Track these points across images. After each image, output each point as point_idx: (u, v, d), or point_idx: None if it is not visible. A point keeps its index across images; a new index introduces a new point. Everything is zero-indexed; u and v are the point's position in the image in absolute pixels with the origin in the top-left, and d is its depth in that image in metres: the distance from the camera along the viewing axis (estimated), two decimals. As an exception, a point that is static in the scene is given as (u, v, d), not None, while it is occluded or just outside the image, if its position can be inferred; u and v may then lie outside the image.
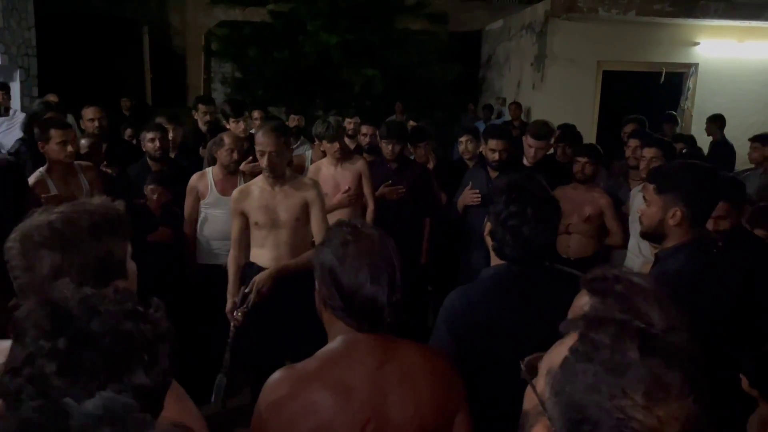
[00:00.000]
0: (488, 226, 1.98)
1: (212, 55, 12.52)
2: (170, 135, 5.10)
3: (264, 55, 10.45)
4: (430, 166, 5.01)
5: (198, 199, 4.29)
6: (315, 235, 3.54)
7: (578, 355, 0.91)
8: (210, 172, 4.34)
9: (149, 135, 4.66)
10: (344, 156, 4.66)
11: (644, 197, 2.30)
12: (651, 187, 2.24)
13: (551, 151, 5.00)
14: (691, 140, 6.26)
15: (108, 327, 0.97)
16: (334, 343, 1.57)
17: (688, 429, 0.86)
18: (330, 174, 4.64)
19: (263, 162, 3.43)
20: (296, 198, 3.52)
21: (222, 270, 4.14)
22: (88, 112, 5.28)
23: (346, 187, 4.58)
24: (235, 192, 3.71)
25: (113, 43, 11.28)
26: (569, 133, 5.21)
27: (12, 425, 0.67)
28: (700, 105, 9.77)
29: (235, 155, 4.25)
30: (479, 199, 4.32)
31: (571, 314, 1.38)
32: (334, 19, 10.19)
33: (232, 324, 3.43)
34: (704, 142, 7.52)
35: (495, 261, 1.99)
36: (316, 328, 3.31)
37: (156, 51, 12.93)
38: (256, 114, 6.50)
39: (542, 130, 4.48)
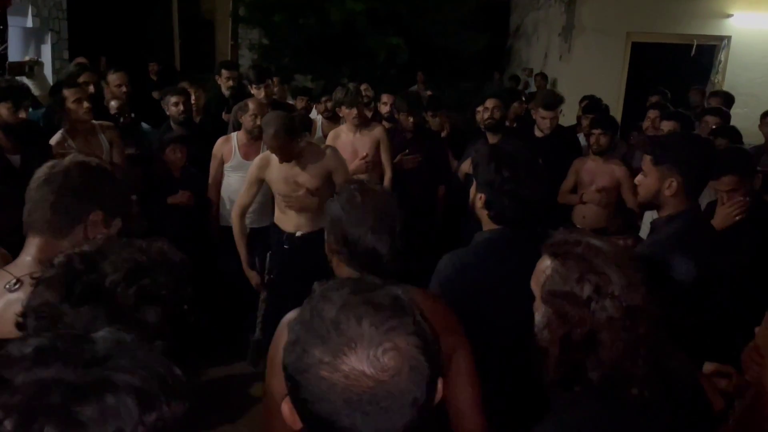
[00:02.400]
0: (481, 197, 2.02)
1: (239, 21, 12.52)
2: (193, 99, 5.21)
3: (290, 22, 10.45)
4: (444, 134, 5.05)
5: (222, 162, 4.40)
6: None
7: None
8: (235, 137, 4.45)
9: (173, 99, 4.76)
10: (363, 122, 4.71)
11: (641, 167, 2.34)
12: (648, 158, 2.28)
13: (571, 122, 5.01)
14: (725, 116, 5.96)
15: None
16: None
17: None
18: (349, 140, 4.70)
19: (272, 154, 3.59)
20: (317, 168, 3.62)
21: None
22: (114, 78, 5.39)
23: (364, 154, 4.65)
24: (257, 159, 3.83)
25: (143, 8, 11.37)
26: (596, 105, 5.21)
27: (28, 350, 0.70)
28: (731, 80, 9.57)
29: (258, 120, 4.32)
30: None
31: (533, 279, 1.44)
32: (361, -15, 10.13)
33: (261, 296, 3.60)
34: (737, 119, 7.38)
35: (488, 226, 2.05)
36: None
37: (185, 16, 12.98)
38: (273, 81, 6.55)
39: (552, 100, 4.54)
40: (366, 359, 0.84)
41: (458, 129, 5.46)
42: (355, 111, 4.59)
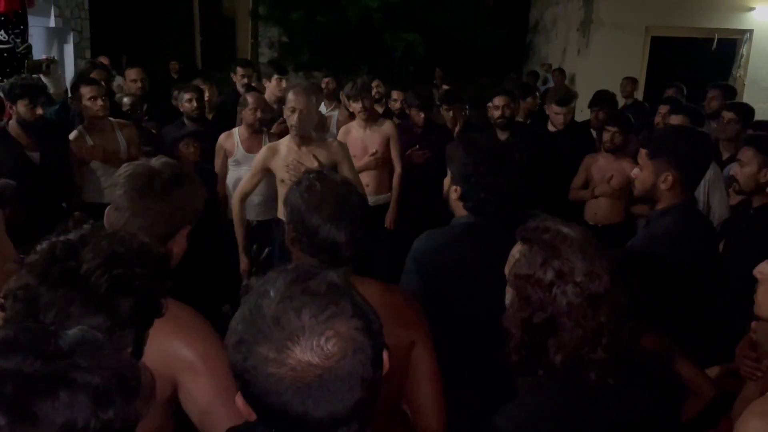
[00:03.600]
0: (456, 190, 2.05)
1: (259, 19, 12.65)
2: (207, 96, 5.29)
3: (308, 19, 10.53)
4: (457, 129, 5.05)
5: (226, 157, 4.47)
6: None
7: None
8: (236, 132, 4.50)
9: (186, 95, 4.84)
10: (372, 118, 4.74)
11: (638, 161, 2.35)
12: (643, 152, 2.28)
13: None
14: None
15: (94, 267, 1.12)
16: None
17: None
18: (359, 136, 4.74)
19: (292, 119, 3.56)
20: (322, 158, 3.62)
21: (246, 224, 4.39)
22: (131, 73, 5.51)
23: (374, 150, 4.68)
24: (264, 148, 3.87)
25: (164, 7, 11.52)
26: (604, 98, 5.16)
27: None
28: (753, 74, 9.44)
29: (258, 113, 4.36)
30: None
31: (507, 264, 1.48)
32: (377, -18, 10.16)
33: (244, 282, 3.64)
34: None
35: (460, 213, 2.08)
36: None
37: (206, 15, 13.12)
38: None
39: (566, 96, 4.53)
40: (310, 350, 0.86)
41: (471, 124, 5.46)
42: (359, 105, 4.62)
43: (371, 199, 4.66)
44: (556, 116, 4.44)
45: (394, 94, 5.39)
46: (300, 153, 3.67)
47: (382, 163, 4.68)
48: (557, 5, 11.24)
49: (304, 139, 3.64)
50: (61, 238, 1.17)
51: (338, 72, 11.04)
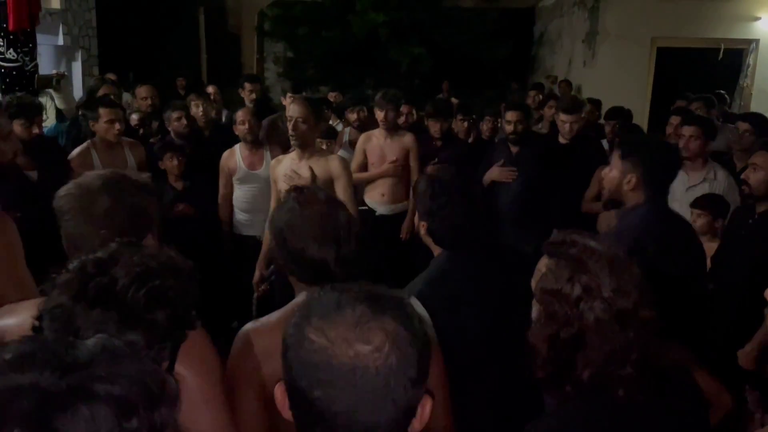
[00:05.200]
0: (423, 225, 2.08)
1: (264, 35, 12.71)
2: (201, 111, 5.28)
3: (313, 34, 10.59)
4: (471, 140, 5.04)
5: (230, 175, 4.47)
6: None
7: None
8: (238, 150, 4.49)
9: (174, 114, 4.81)
10: (393, 129, 4.74)
11: (609, 161, 2.50)
12: (617, 152, 2.44)
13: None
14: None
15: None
16: (297, 298, 1.69)
17: None
18: (379, 145, 4.73)
19: (289, 127, 3.55)
20: (318, 170, 3.58)
21: (252, 240, 4.36)
22: (141, 91, 5.53)
23: (394, 158, 4.67)
24: (273, 160, 3.88)
25: (170, 24, 11.57)
26: (620, 111, 5.17)
27: (7, 356, 0.72)
28: (760, 83, 9.41)
29: (246, 126, 4.37)
30: (513, 175, 4.38)
31: (533, 278, 1.45)
32: (383, -4, 10.22)
33: (255, 294, 3.62)
34: None
35: (436, 251, 2.11)
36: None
37: (211, 31, 13.18)
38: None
39: (571, 104, 4.52)
40: (353, 329, 0.89)
41: (482, 137, 5.45)
42: (383, 114, 4.62)
43: (387, 208, 4.66)
44: (563, 125, 4.43)
45: (403, 108, 5.39)
46: (299, 164, 3.65)
47: (399, 172, 4.67)
48: (562, 17, 11.26)
49: (304, 150, 3.62)
50: (90, 255, 1.16)
51: (343, 86, 11.12)
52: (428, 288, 1.96)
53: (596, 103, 6.65)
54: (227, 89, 8.06)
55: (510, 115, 4.40)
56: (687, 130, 3.67)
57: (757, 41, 9.37)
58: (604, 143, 5.09)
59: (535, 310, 1.40)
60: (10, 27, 5.09)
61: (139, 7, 10.42)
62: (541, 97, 7.77)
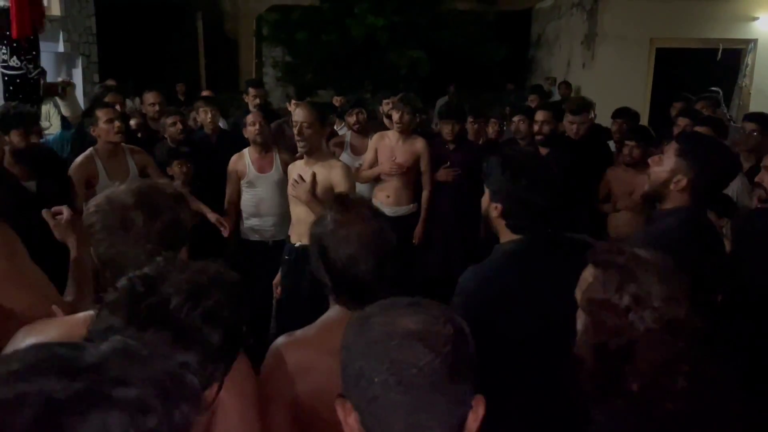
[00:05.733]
0: (496, 208, 1.95)
1: (263, 40, 12.71)
2: (209, 118, 5.30)
3: (312, 39, 10.59)
4: (482, 142, 5.02)
5: (239, 179, 4.44)
6: None
7: None
8: (247, 153, 4.47)
9: (169, 120, 4.80)
10: (406, 132, 4.72)
11: (663, 151, 2.30)
12: (674, 146, 2.23)
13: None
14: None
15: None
16: (331, 311, 1.64)
17: None
18: (390, 146, 4.71)
19: (294, 131, 3.54)
20: (321, 177, 3.57)
21: (260, 246, 4.35)
22: (149, 97, 5.53)
23: (400, 161, 4.65)
24: (290, 165, 3.88)
25: (169, 30, 11.58)
26: (627, 111, 5.15)
27: (15, 365, 0.70)
28: (759, 83, 9.44)
29: (257, 127, 4.33)
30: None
31: (578, 288, 1.42)
32: (381, 1, 10.23)
33: (275, 295, 3.61)
34: None
35: (506, 237, 1.98)
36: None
37: (209, 37, 13.19)
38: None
39: (578, 105, 4.50)
40: (406, 317, 1.02)
41: (493, 140, 5.45)
42: (398, 116, 4.61)
43: (391, 210, 4.64)
44: (570, 125, 4.41)
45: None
46: (306, 169, 3.65)
47: (401, 173, 4.65)
48: (560, 19, 11.28)
49: (310, 156, 3.61)
50: (138, 273, 1.13)
51: (342, 90, 11.11)
52: (488, 282, 1.88)
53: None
54: (225, 94, 8.08)
55: (539, 115, 4.36)
56: (700, 131, 3.64)
57: (755, 41, 9.41)
58: (610, 144, 5.10)
59: (582, 320, 1.38)
60: (14, 34, 5.05)
61: (138, 13, 10.42)
62: (539, 100, 7.78)
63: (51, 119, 6.02)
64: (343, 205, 1.63)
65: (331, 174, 3.55)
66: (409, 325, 1.01)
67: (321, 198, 3.55)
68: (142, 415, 0.69)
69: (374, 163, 4.69)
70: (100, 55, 9.19)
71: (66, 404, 0.66)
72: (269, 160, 4.45)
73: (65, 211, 1.95)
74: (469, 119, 5.10)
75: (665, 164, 2.22)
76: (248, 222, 4.51)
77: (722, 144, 2.40)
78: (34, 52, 5.21)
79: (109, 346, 0.76)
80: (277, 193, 4.48)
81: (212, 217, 4.32)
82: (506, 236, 1.97)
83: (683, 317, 1.27)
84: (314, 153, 3.60)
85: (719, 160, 2.22)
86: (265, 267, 4.09)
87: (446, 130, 4.77)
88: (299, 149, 3.67)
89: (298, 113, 3.55)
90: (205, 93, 6.22)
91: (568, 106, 4.47)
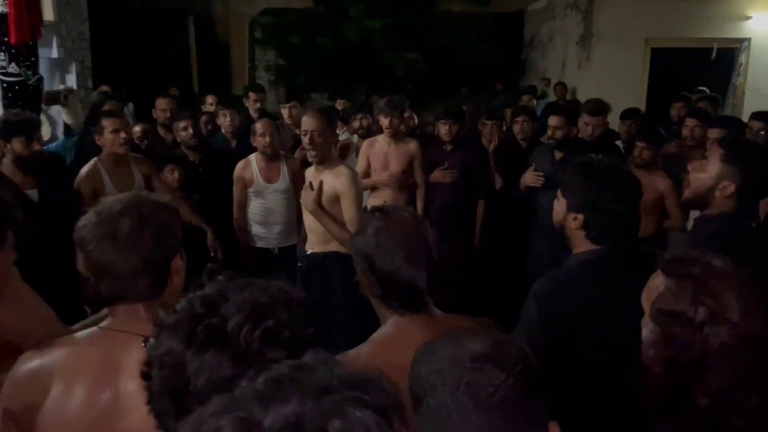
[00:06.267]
0: (576, 218, 1.89)
1: (256, 43, 12.65)
2: (228, 121, 5.26)
3: (307, 42, 10.54)
4: (493, 146, 5.00)
5: (245, 186, 4.39)
6: (347, 226, 3.47)
7: None
8: (254, 161, 4.40)
9: (181, 124, 4.76)
10: (398, 135, 4.70)
11: (706, 157, 2.27)
12: (719, 151, 2.20)
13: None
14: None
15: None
16: (385, 327, 1.61)
17: None
18: (382, 151, 4.69)
19: (305, 141, 3.48)
20: (328, 185, 3.51)
21: (267, 253, 4.37)
22: (161, 103, 5.48)
23: (395, 166, 4.64)
24: (307, 170, 3.84)
25: (161, 35, 11.50)
26: (637, 111, 5.14)
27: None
28: (753, 81, 9.51)
29: (267, 139, 4.29)
30: (541, 180, 4.35)
31: (645, 294, 1.37)
32: (375, 3, 10.20)
33: None
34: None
35: (583, 247, 1.92)
36: (362, 318, 3.39)
37: (201, 41, 13.12)
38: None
39: (597, 107, 4.46)
40: (472, 342, 1.06)
41: (504, 142, 5.42)
42: (388, 121, 4.58)
43: None
44: (585, 126, 4.39)
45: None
46: (317, 177, 3.60)
47: (401, 183, 4.64)
48: (554, 20, 11.31)
49: (320, 163, 3.55)
50: (198, 293, 1.09)
51: (337, 93, 11.08)
52: (565, 290, 1.84)
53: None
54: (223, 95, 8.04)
55: (552, 120, 4.35)
56: (713, 133, 3.62)
57: (748, 40, 9.47)
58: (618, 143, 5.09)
59: (650, 330, 1.32)
60: (12, 40, 4.96)
61: (130, 18, 10.34)
62: (535, 101, 7.76)
63: (42, 129, 5.93)
64: (382, 212, 1.62)
65: (337, 182, 3.49)
66: (477, 348, 1.03)
67: (328, 208, 3.50)
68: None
69: (366, 170, 4.66)
70: (93, 60, 9.09)
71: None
72: (276, 170, 4.39)
73: None
74: (483, 120, 5.09)
75: (710, 170, 2.20)
76: (254, 229, 4.46)
77: (765, 148, 2.40)
78: (32, 58, 5.12)
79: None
80: (284, 202, 4.44)
81: (210, 238, 4.28)
82: (583, 246, 1.92)
83: (761, 332, 1.20)
84: (325, 161, 3.55)
85: (764, 164, 2.20)
86: (270, 274, 4.04)
87: (444, 130, 4.75)
88: (309, 158, 3.62)
89: (309, 122, 3.47)
90: (210, 99, 6.14)
91: (586, 107, 4.45)
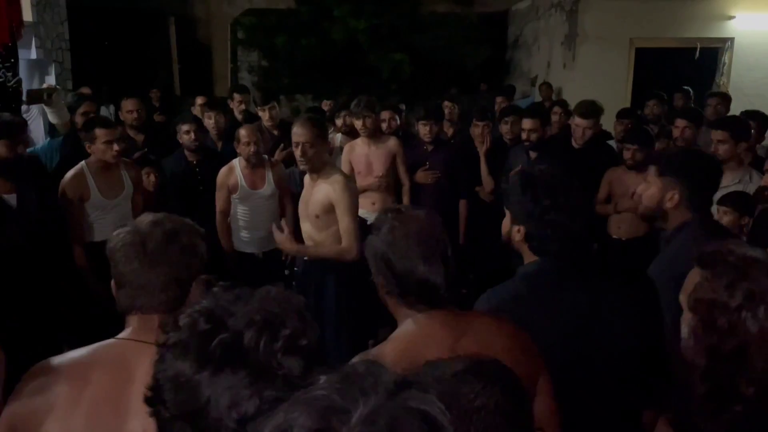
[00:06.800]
0: (519, 230, 1.88)
1: (239, 44, 12.52)
2: (212, 122, 5.17)
3: (291, 43, 10.43)
4: (485, 148, 4.96)
5: (229, 193, 4.32)
6: (342, 236, 3.42)
7: None
8: (237, 167, 4.33)
9: (184, 127, 4.69)
10: (375, 135, 4.67)
11: (645, 179, 2.40)
12: (653, 168, 2.36)
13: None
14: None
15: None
16: (405, 325, 1.60)
17: None
18: (363, 153, 4.68)
19: (297, 153, 3.41)
20: (321, 194, 3.46)
21: (252, 258, 4.34)
22: (128, 104, 5.36)
23: (378, 166, 4.62)
24: (306, 177, 3.79)
25: (141, 36, 11.36)
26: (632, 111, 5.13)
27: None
28: (736, 81, 9.57)
29: (252, 147, 4.22)
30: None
31: (682, 293, 1.38)
32: (360, 3, 10.12)
33: None
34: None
35: (530, 258, 1.91)
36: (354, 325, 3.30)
37: (182, 42, 12.99)
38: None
39: (589, 109, 4.45)
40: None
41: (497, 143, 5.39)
42: (361, 123, 4.57)
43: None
44: (576, 128, 4.39)
45: (383, 114, 5.29)
46: (309, 186, 3.58)
47: (386, 183, 4.63)
48: (538, 20, 11.31)
49: (313, 172, 3.50)
50: (197, 308, 1.01)
51: (320, 94, 10.98)
52: (506, 306, 1.81)
53: (564, 105, 6.58)
54: (212, 96, 7.93)
55: (526, 123, 4.33)
56: (715, 135, 3.59)
57: (732, 40, 9.53)
58: (612, 143, 5.07)
59: (688, 322, 1.34)
60: (-9, 42, 4.84)
61: (109, 19, 10.19)
62: (506, 101, 7.72)
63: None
64: (396, 212, 1.63)
65: (330, 190, 3.42)
66: (459, 366, 1.05)
67: (322, 216, 3.46)
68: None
69: (351, 174, 4.59)
70: (73, 61, 8.93)
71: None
72: (261, 176, 4.33)
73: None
74: (475, 121, 5.07)
75: (653, 186, 2.33)
76: (238, 234, 4.41)
77: (696, 152, 2.63)
78: (12, 60, 4.99)
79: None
80: (269, 208, 4.39)
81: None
82: (529, 259, 1.91)
83: None
84: (318, 169, 3.48)
85: (698, 166, 2.33)
86: (256, 279, 3.98)
87: (424, 130, 4.75)
88: (302, 168, 3.56)
89: (299, 133, 3.39)
90: (200, 100, 6.03)
91: (577, 109, 4.43)
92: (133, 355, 1.44)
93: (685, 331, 1.35)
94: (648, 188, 2.34)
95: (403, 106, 7.15)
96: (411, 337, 1.55)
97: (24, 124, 3.99)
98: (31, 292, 3.21)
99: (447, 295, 1.57)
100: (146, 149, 4.95)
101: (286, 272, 3.83)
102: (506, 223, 1.96)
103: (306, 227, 3.60)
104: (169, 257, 1.50)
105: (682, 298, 1.39)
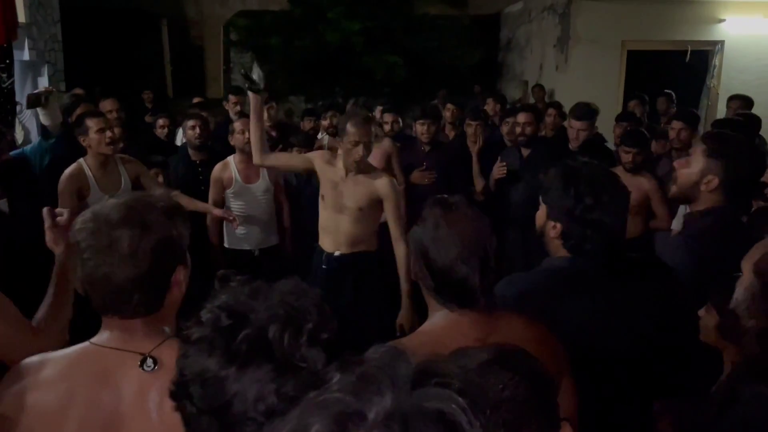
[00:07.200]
0: (555, 226, 1.78)
1: (231, 46, 12.50)
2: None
3: (286, 44, 10.44)
4: (476, 148, 4.99)
5: (223, 188, 4.35)
6: (391, 231, 3.56)
7: None
8: (232, 162, 4.37)
9: (189, 123, 4.72)
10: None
11: (690, 153, 2.27)
12: (701, 147, 2.20)
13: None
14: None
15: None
16: (435, 319, 1.59)
17: None
18: None
19: (357, 153, 3.43)
20: (365, 187, 3.52)
21: (248, 255, 4.35)
22: (106, 104, 5.38)
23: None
24: (324, 152, 3.78)
25: (134, 37, 11.33)
26: (630, 115, 5.16)
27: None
28: (726, 83, 9.63)
29: (246, 136, 4.22)
30: (504, 171, 4.40)
31: (746, 259, 1.47)
32: (353, 5, 10.14)
33: None
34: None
35: (558, 252, 1.83)
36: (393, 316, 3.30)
37: (175, 44, 12.96)
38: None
39: (584, 111, 4.48)
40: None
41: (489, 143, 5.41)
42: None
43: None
44: (571, 130, 4.42)
45: (386, 117, 5.33)
46: (345, 177, 3.57)
47: None
48: (530, 23, 11.37)
49: (358, 168, 3.54)
50: (217, 304, 1.02)
51: (314, 96, 10.98)
52: (526, 297, 1.77)
53: (558, 107, 6.61)
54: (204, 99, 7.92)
55: (521, 117, 4.37)
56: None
57: (722, 42, 9.61)
58: (608, 145, 5.10)
59: (748, 285, 1.40)
60: (-13, 43, 4.84)
61: (102, 20, 10.15)
62: (499, 106, 7.74)
63: (15, 133, 5.77)
64: (445, 206, 1.59)
65: (378, 184, 3.52)
66: (483, 356, 0.99)
67: (366, 210, 3.58)
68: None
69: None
70: (65, 62, 8.88)
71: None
72: (256, 170, 4.35)
73: (65, 214, 1.80)
74: (468, 121, 5.10)
75: (693, 166, 2.20)
76: (229, 230, 4.41)
77: (749, 141, 2.45)
78: (7, 61, 4.99)
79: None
80: (264, 203, 4.40)
81: (218, 212, 4.28)
82: (559, 252, 1.84)
83: None
84: (361, 166, 3.55)
85: (749, 157, 2.21)
86: (252, 276, 3.99)
87: (422, 130, 4.77)
88: (355, 165, 3.53)
89: (362, 133, 3.42)
90: (196, 100, 6.03)
91: (572, 112, 4.46)
92: (114, 366, 1.34)
93: (739, 292, 1.40)
94: (688, 165, 2.21)
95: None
96: (439, 330, 1.56)
97: (3, 132, 4.01)
98: (27, 295, 3.20)
99: (482, 299, 1.56)
100: (126, 149, 4.92)
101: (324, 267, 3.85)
102: (541, 215, 1.85)
103: (338, 219, 3.63)
104: (141, 257, 1.33)
105: (746, 265, 1.45)
